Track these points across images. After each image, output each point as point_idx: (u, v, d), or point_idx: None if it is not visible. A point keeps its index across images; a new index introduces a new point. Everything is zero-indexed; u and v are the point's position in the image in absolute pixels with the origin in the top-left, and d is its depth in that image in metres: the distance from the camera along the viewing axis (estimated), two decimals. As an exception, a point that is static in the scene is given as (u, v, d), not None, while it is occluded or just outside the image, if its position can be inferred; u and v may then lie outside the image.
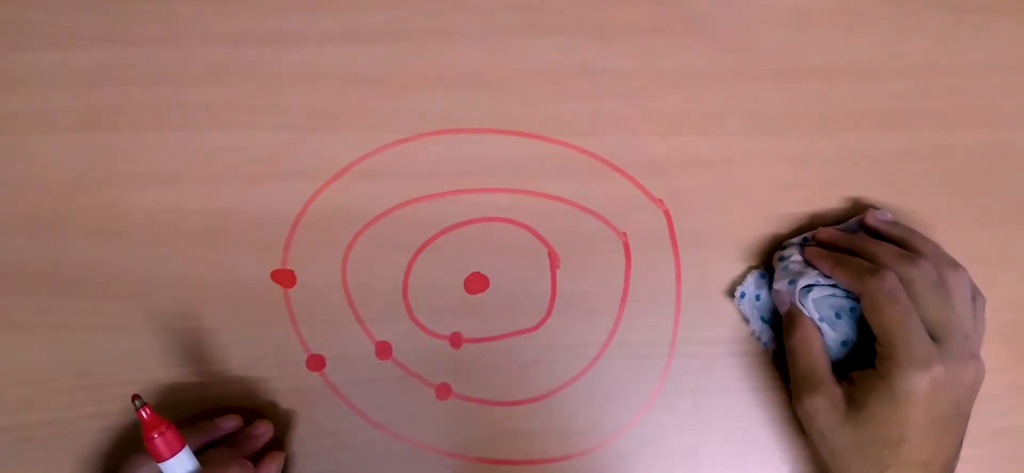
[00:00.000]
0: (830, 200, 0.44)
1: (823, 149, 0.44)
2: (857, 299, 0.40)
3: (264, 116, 0.43)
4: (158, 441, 0.35)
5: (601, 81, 0.44)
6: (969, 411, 0.38)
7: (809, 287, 0.40)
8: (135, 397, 0.35)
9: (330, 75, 0.44)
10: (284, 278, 0.43)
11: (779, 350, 0.43)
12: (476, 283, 0.44)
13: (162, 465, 0.36)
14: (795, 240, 0.43)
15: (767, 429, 0.44)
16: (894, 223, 0.42)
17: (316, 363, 0.43)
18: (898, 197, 0.44)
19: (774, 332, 0.44)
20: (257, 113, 0.43)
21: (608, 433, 0.43)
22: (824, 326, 0.40)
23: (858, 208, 0.44)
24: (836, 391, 0.38)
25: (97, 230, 0.43)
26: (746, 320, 0.44)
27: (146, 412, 0.35)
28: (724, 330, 0.44)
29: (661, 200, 0.44)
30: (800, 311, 0.40)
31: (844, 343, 0.40)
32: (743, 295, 0.43)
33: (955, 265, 0.39)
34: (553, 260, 0.44)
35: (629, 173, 0.44)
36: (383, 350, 0.43)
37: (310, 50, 0.44)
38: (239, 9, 0.44)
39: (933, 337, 0.36)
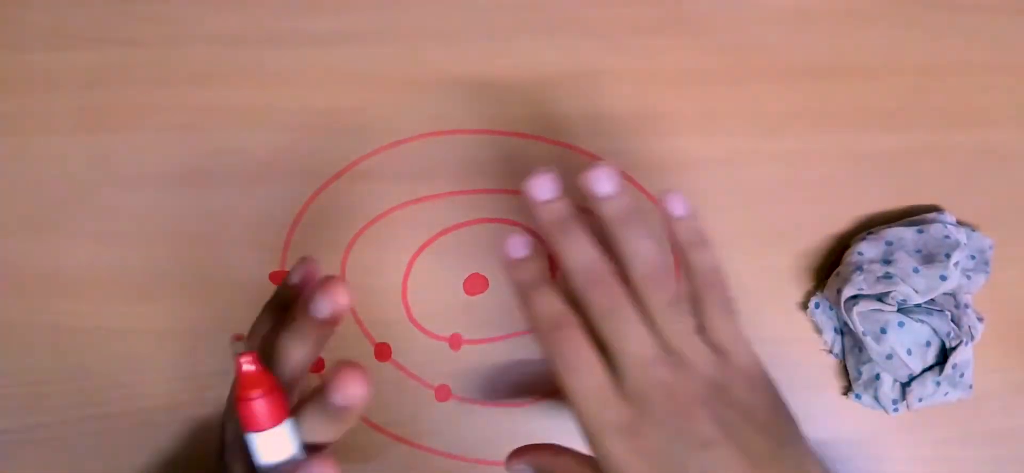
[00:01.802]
0: (830, 200, 0.44)
1: (823, 149, 0.44)
2: (905, 311, 0.40)
3: (263, 116, 0.43)
4: (258, 405, 0.27)
5: (601, 81, 0.44)
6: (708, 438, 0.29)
7: (855, 299, 0.40)
8: (236, 337, 0.28)
9: (330, 75, 0.44)
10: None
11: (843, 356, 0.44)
12: (476, 284, 0.44)
13: (254, 437, 0.29)
14: (862, 237, 0.43)
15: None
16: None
17: (315, 365, 0.43)
18: (898, 197, 0.44)
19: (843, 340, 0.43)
20: (256, 113, 0.43)
21: (608, 434, 0.43)
22: (868, 339, 0.40)
23: (856, 208, 0.44)
24: None
25: (96, 231, 0.43)
26: (818, 331, 0.43)
27: (249, 363, 0.27)
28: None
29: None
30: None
31: (889, 356, 0.40)
32: (818, 305, 0.43)
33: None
34: (553, 261, 0.44)
35: (628, 173, 0.44)
36: (382, 351, 0.43)
37: (310, 50, 0.44)
38: (239, 9, 0.44)
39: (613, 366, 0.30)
